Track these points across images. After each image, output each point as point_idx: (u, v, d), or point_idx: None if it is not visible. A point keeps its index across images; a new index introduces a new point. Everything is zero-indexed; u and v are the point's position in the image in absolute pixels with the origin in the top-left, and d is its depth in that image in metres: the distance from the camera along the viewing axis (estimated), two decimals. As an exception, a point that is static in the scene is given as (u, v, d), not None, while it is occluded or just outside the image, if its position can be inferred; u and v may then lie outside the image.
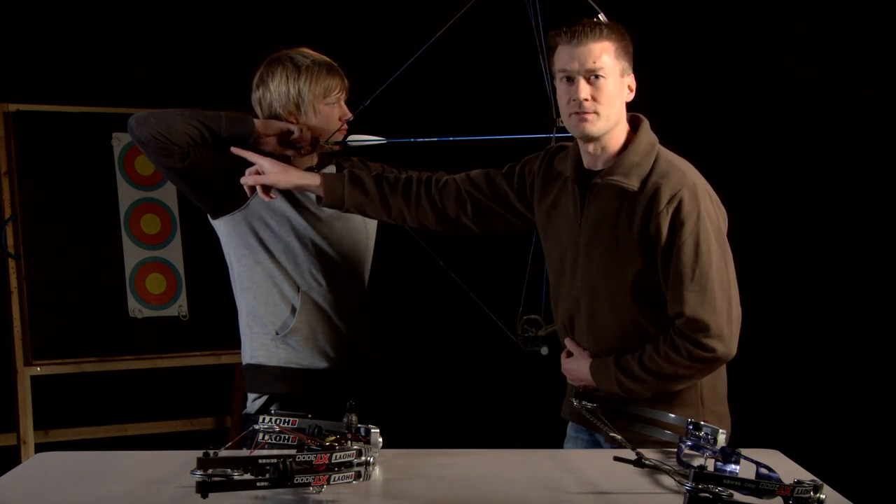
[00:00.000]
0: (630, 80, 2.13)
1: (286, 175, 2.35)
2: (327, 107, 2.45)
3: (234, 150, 2.37)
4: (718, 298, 2.07)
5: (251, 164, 2.42)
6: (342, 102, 2.48)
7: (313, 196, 2.46)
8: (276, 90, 2.43)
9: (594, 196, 2.16)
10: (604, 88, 2.07)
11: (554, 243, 2.27)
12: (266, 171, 2.35)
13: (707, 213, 2.09)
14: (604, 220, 2.14)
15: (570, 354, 2.27)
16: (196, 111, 2.36)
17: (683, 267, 2.06)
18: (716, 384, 2.22)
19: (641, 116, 2.19)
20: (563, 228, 2.23)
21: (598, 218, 2.15)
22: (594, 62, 2.05)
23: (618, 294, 2.14)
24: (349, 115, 2.48)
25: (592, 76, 2.07)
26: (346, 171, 2.39)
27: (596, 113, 2.08)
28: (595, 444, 2.27)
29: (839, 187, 3.46)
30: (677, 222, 2.06)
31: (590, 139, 2.12)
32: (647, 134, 2.16)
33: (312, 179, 2.36)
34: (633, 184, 2.10)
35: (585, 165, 2.19)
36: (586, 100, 2.06)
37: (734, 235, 2.21)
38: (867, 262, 3.34)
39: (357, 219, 2.54)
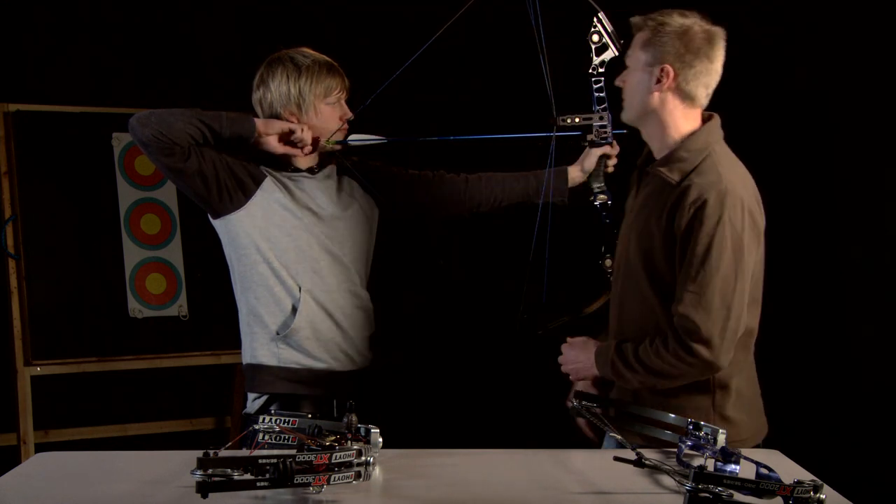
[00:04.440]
0: (659, 71, 2.12)
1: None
2: (328, 106, 2.45)
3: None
4: (716, 305, 2.04)
5: (251, 161, 2.43)
6: (343, 102, 2.48)
7: (314, 197, 2.47)
8: (276, 90, 2.43)
9: (645, 184, 2.22)
10: (628, 79, 2.19)
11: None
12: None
13: (731, 220, 2.05)
14: (645, 207, 2.19)
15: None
16: (197, 111, 2.36)
17: (689, 266, 2.07)
18: (729, 390, 2.15)
19: (714, 115, 2.22)
20: (628, 214, 2.30)
21: (642, 205, 2.20)
22: (627, 54, 2.19)
23: (642, 281, 2.17)
24: (350, 115, 2.48)
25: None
26: None
27: (623, 100, 2.20)
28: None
29: (840, 186, 3.46)
30: (696, 221, 2.06)
31: (626, 125, 2.25)
32: (707, 133, 2.17)
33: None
34: (674, 177, 2.13)
35: (654, 154, 2.24)
36: (619, 86, 2.21)
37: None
38: (867, 262, 3.33)
39: (358, 218, 2.54)
